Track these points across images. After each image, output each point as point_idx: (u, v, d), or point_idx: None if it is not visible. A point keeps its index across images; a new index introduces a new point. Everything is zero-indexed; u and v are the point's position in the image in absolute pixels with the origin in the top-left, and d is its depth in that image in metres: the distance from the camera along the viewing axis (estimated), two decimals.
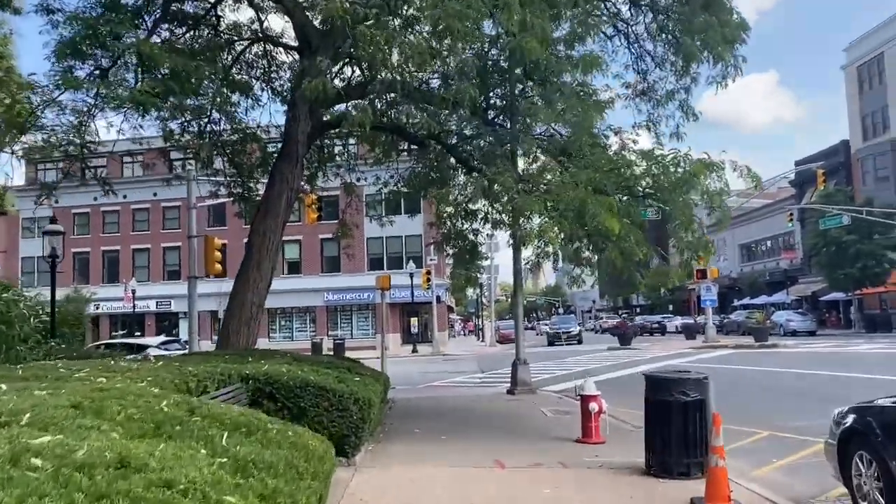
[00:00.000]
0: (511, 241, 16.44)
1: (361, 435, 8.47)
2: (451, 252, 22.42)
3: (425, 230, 48.74)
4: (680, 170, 10.31)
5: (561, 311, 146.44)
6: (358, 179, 20.26)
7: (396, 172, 20.60)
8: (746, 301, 67.98)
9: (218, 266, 21.59)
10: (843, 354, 25.65)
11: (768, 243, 69.37)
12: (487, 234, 21.67)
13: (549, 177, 10.04)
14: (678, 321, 71.95)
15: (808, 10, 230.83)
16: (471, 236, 21.93)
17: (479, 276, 22.19)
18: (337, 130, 16.64)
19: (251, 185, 17.83)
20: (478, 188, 9.97)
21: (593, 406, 10.12)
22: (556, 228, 9.23)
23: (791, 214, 45.90)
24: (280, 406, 8.34)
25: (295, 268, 51.36)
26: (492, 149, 11.44)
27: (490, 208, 21.73)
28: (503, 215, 20.92)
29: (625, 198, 10.79)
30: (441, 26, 8.86)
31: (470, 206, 21.67)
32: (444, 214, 18.23)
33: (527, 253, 15.23)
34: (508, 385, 18.96)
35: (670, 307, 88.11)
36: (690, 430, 7.68)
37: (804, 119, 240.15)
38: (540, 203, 9.51)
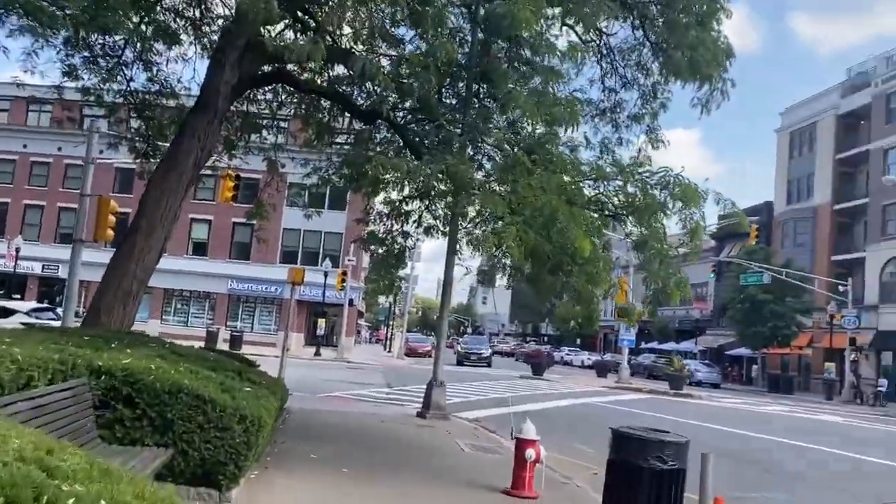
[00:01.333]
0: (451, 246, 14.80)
1: (243, 464, 6.49)
2: (378, 253, 20.51)
3: (348, 229, 46.54)
4: (665, 192, 8.87)
5: (469, 330, 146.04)
6: (283, 166, 18.09)
7: (328, 159, 18.67)
8: (654, 345, 68.59)
9: (109, 232, 18.95)
10: (766, 415, 25.18)
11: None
12: (417, 240, 19.92)
13: (513, 176, 8.38)
14: (584, 356, 72.10)
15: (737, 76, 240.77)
16: (400, 239, 20.19)
17: (401, 283, 20.22)
18: (270, 88, 14.58)
19: (159, 143, 15.45)
20: (433, 174, 8.19)
21: (530, 453, 8.44)
22: (517, 237, 7.53)
23: (714, 266, 46.12)
24: (139, 414, 6.29)
25: (201, 249, 48.03)
26: (449, 135, 9.70)
27: (425, 211, 20.04)
28: (439, 220, 19.26)
29: (595, 214, 9.24)
30: None
31: (404, 206, 19.93)
32: (380, 195, 16.27)
33: (473, 263, 13.49)
34: (419, 406, 17.20)
35: (578, 341, 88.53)
36: None
37: (724, 177, 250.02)
38: (503, 204, 7.81)
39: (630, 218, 9.40)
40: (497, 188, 8.35)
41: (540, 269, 8.73)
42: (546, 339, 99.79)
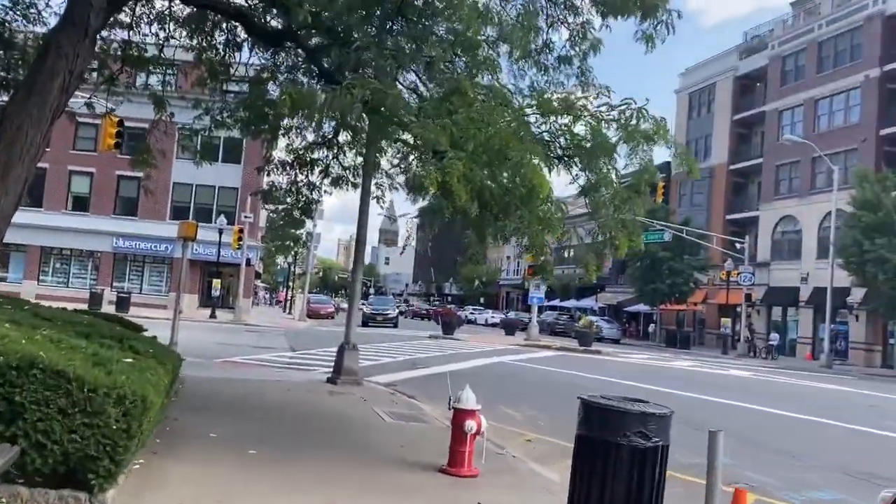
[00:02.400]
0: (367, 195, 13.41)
1: (121, 458, 5.04)
2: (278, 207, 18.85)
3: (244, 184, 43.90)
4: (618, 131, 7.83)
5: (373, 291, 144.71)
6: (172, 116, 15.93)
7: (222, 100, 16.80)
8: (556, 303, 69.53)
9: None
10: (677, 370, 25.40)
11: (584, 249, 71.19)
12: (325, 191, 18.33)
13: (453, 106, 7.12)
14: (488, 315, 72.41)
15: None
16: (305, 190, 18.60)
17: (306, 238, 18.66)
18: (156, 15, 12.61)
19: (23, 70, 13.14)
20: (355, 102, 6.77)
21: (470, 425, 7.34)
22: (463, 174, 6.28)
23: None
24: None
25: (82, 204, 44.16)
26: (372, 60, 8.25)
27: (333, 160, 18.46)
28: (349, 171, 17.77)
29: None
30: None
31: (309, 154, 18.34)
32: (281, 143, 14.65)
33: (405, 209, 12.17)
34: (327, 371, 15.95)
35: (481, 300, 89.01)
36: (646, 492, 5.13)
37: None
38: (445, 135, 6.53)
39: (576, 160, 8.34)
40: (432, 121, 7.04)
41: (485, 211, 7.55)
42: (450, 298, 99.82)
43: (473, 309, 77.42)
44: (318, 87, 10.12)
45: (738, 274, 42.54)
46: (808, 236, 43.97)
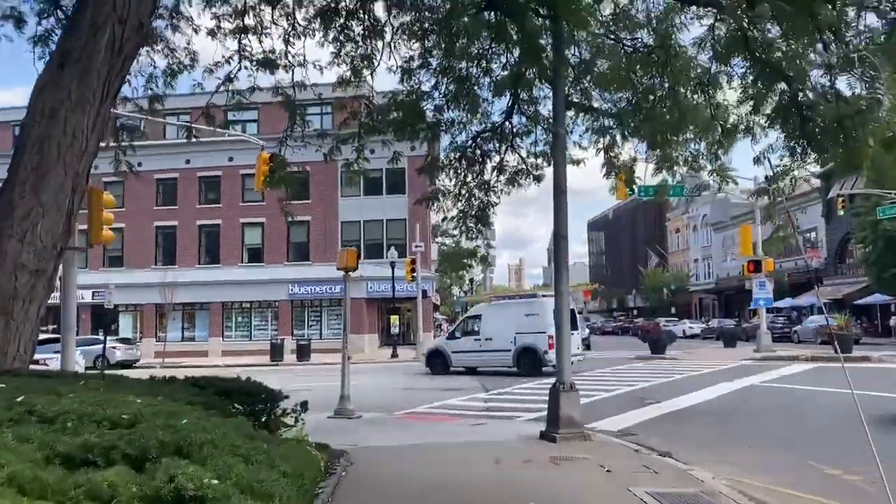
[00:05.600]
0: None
1: None
2: (449, 216, 15.46)
3: (411, 213, 41.70)
4: None
5: None
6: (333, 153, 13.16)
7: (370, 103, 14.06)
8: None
9: (109, 233, 14.38)
10: None
11: (792, 241, 62.36)
12: (502, 191, 14.72)
13: None
14: (685, 325, 65.56)
15: None
16: (477, 192, 15.17)
17: (487, 252, 14.82)
18: None
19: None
20: None
21: None
22: None
23: (843, 201, 38.90)
24: None
25: (256, 255, 44.02)
26: None
27: (508, 150, 15.11)
28: (533, 155, 14.33)
29: None
30: None
31: (478, 147, 15.01)
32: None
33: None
34: (534, 415, 12.31)
35: (672, 310, 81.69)
36: None
37: None
38: None
39: None
40: None
41: None
42: (635, 312, 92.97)
43: (666, 320, 70.59)
44: None
45: None
46: None
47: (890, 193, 36.09)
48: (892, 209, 35.81)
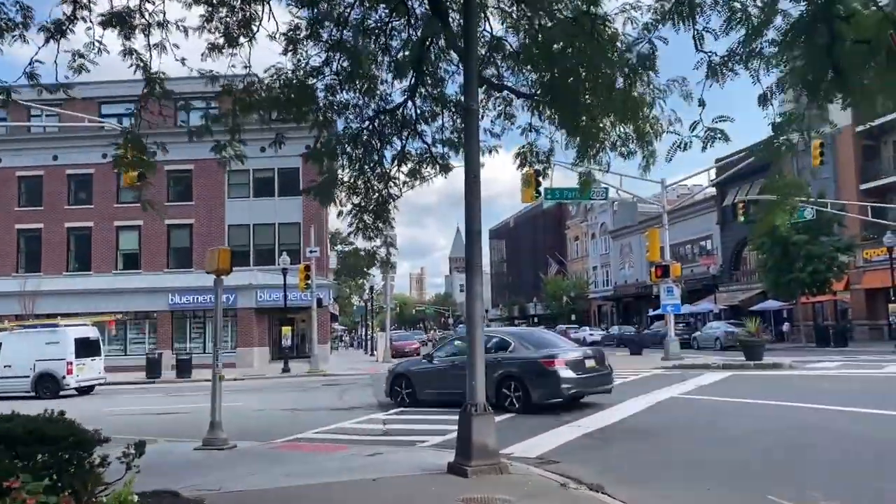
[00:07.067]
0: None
1: None
2: (344, 210, 13.25)
3: (305, 216, 39.06)
4: None
5: (451, 321, 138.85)
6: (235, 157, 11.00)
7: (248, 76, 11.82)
8: (659, 312, 61.91)
9: None
10: None
11: (688, 247, 63.63)
12: (405, 183, 12.69)
13: None
14: (585, 333, 65.53)
15: None
16: (377, 183, 13.21)
17: (388, 254, 12.64)
18: None
19: None
20: None
21: None
22: None
23: (744, 205, 39.23)
24: None
25: (132, 262, 40.18)
26: None
27: (410, 135, 13.43)
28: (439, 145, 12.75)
29: None
30: None
31: (375, 128, 13.15)
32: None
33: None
34: (438, 439, 10.36)
35: (573, 317, 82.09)
36: None
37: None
38: None
39: None
40: None
41: None
42: (536, 319, 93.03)
43: (567, 327, 70.48)
44: None
45: None
46: None
47: (788, 199, 36.50)
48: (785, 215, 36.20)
